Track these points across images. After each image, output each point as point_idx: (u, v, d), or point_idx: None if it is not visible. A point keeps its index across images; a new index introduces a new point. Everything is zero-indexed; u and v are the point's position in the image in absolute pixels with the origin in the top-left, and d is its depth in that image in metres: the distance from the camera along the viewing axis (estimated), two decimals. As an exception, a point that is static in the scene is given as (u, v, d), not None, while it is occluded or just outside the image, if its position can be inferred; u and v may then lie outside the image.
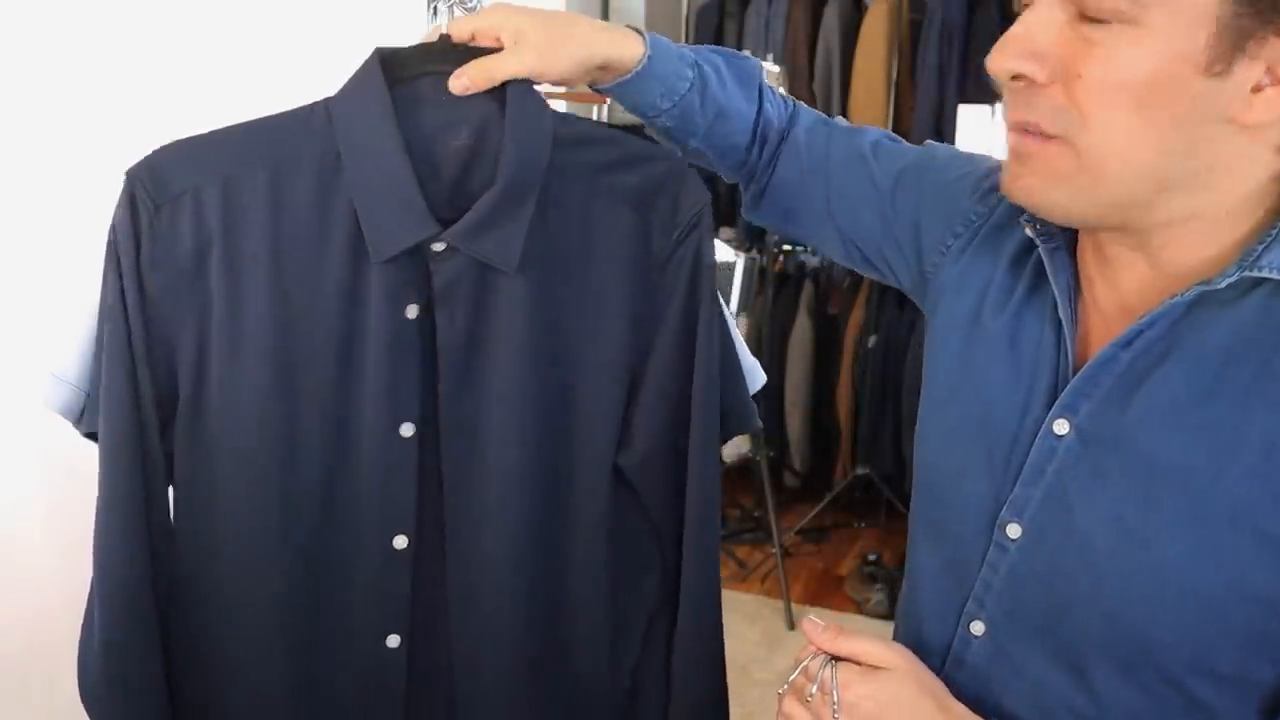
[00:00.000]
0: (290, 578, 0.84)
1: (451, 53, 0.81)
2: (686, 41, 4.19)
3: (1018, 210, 0.75)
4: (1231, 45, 0.56)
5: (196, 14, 1.27)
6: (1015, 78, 0.62)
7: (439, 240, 0.79)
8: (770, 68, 2.83)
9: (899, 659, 0.68)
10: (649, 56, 0.84)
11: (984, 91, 3.02)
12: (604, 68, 0.84)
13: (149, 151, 0.80)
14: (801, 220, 0.96)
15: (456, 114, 0.81)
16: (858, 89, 3.21)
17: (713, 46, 0.94)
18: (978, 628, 0.72)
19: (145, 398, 0.80)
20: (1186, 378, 0.62)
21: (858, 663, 0.68)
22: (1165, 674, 0.62)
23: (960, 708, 0.68)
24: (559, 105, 2.17)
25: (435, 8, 1.10)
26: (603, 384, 0.86)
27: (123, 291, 0.79)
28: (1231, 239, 0.63)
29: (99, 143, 1.15)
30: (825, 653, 0.68)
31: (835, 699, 0.66)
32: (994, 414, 0.73)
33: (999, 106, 0.84)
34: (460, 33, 0.81)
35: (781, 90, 1.05)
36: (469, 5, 1.22)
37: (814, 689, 0.67)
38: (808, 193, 0.93)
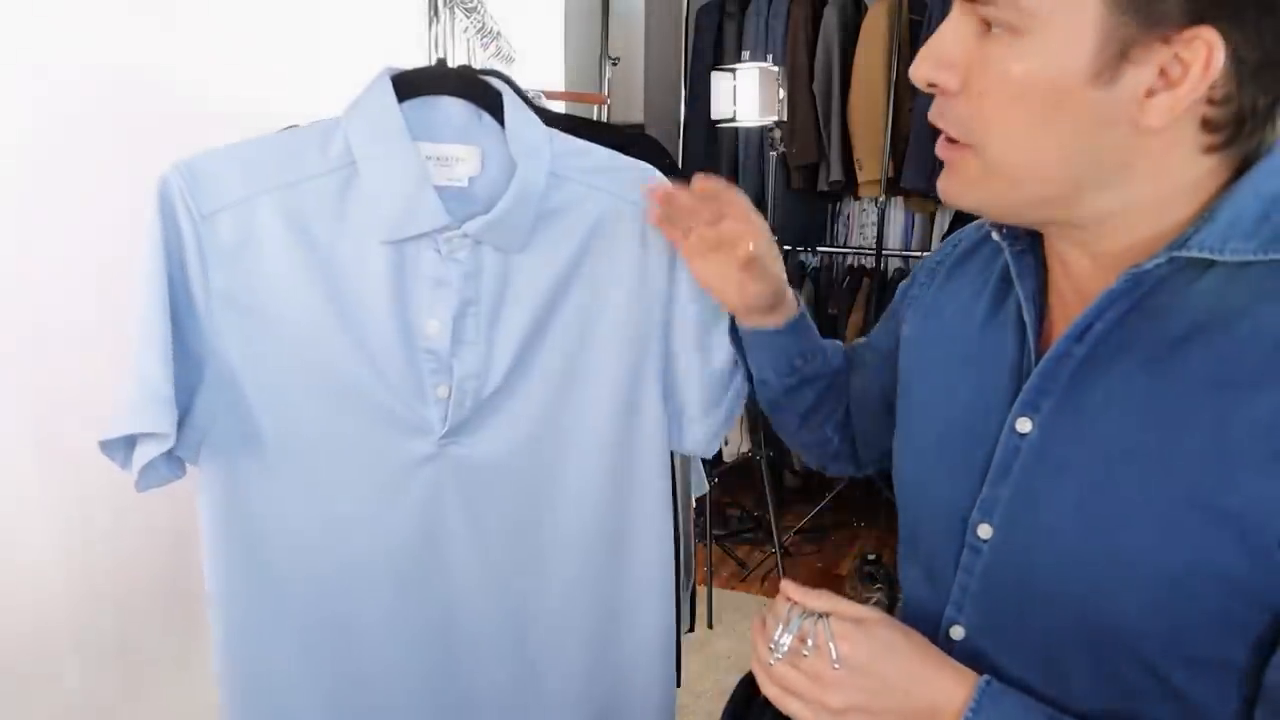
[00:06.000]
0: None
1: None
2: (686, 41, 4.10)
3: (984, 232, 0.79)
4: (1116, 54, 0.57)
5: (195, 7, 1.28)
6: (931, 85, 0.64)
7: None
8: (770, 68, 2.83)
9: (875, 612, 0.69)
10: (802, 309, 0.95)
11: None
12: (776, 302, 0.94)
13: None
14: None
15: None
16: (858, 89, 3.21)
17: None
18: (957, 632, 0.73)
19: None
20: (1141, 366, 0.63)
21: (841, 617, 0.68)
22: (1141, 663, 0.63)
23: (940, 653, 0.69)
24: (558, 105, 2.17)
25: (436, 7, 1.10)
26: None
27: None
28: (1168, 225, 0.63)
29: (112, 144, 1.15)
30: (808, 610, 0.69)
31: (833, 652, 0.66)
32: (962, 420, 0.73)
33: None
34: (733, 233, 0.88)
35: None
36: (469, 5, 1.23)
37: (810, 644, 0.67)
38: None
